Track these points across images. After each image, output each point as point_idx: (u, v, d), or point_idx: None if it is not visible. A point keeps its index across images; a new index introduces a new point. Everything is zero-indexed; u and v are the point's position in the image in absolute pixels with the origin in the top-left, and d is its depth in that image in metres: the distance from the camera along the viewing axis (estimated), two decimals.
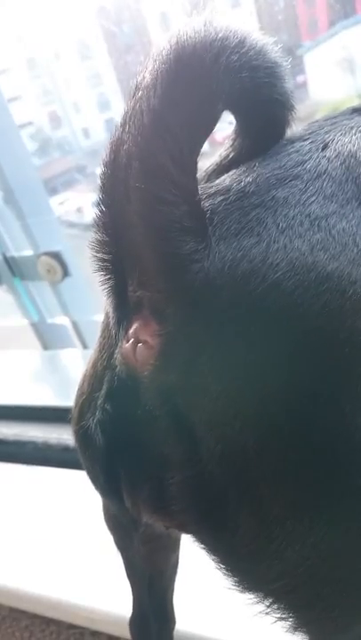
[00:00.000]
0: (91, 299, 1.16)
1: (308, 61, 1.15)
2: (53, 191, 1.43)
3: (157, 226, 0.28)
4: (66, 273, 1.11)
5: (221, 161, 0.38)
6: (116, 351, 0.32)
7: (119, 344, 0.32)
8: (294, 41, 1.14)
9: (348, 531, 0.29)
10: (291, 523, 0.28)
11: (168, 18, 1.13)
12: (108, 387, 0.34)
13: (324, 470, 0.28)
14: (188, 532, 0.35)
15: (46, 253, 1.11)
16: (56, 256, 1.10)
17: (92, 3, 1.14)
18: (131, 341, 0.31)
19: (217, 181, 0.34)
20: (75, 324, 1.19)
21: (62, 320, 1.22)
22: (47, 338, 1.27)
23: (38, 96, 1.47)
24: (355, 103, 0.39)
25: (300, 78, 1.16)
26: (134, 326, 0.31)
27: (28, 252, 1.15)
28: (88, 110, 1.44)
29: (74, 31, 1.24)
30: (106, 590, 0.77)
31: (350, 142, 0.33)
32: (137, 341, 0.30)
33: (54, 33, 1.19)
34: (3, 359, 1.38)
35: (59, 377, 1.23)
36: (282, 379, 0.27)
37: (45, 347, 1.29)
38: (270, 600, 0.31)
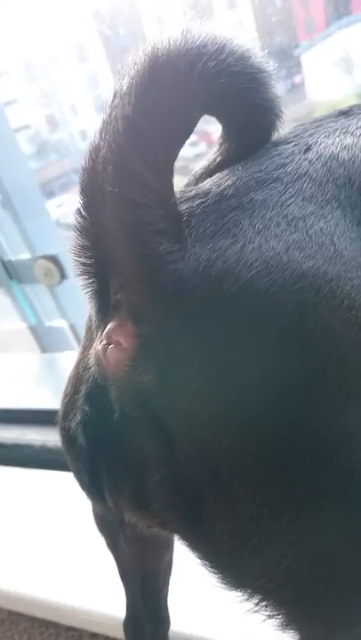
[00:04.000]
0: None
1: (305, 61, 1.15)
2: (51, 194, 1.43)
3: (132, 228, 0.28)
4: (63, 276, 1.11)
5: (209, 165, 0.39)
6: (91, 352, 0.33)
7: (94, 345, 0.32)
8: (291, 41, 1.14)
9: (326, 529, 0.29)
10: (267, 521, 0.29)
11: (164, 20, 1.13)
12: (86, 388, 0.34)
13: (300, 470, 0.28)
14: (169, 530, 0.36)
15: (43, 257, 1.11)
16: (53, 259, 1.10)
17: (90, 6, 1.15)
18: (102, 343, 0.31)
19: (198, 185, 0.34)
20: (72, 327, 1.19)
21: (60, 323, 1.22)
22: (45, 341, 1.27)
23: (36, 99, 1.47)
24: (353, 103, 0.39)
25: (297, 79, 1.16)
26: (108, 327, 0.31)
27: (25, 256, 1.16)
28: (85, 113, 1.44)
29: (71, 34, 1.25)
30: (104, 592, 0.77)
31: (333, 144, 0.33)
32: (109, 343, 0.31)
33: (51, 36, 1.20)
34: (1, 362, 1.38)
35: (57, 380, 1.23)
36: (256, 378, 0.27)
37: (43, 350, 1.29)
38: (258, 597, 0.32)
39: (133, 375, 0.30)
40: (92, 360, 0.32)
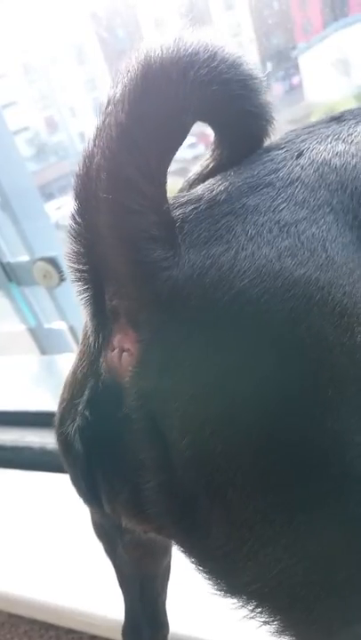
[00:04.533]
0: None
1: (302, 63, 1.15)
2: (50, 196, 1.43)
3: (125, 235, 0.29)
4: (62, 278, 1.11)
5: (202, 170, 0.39)
6: (101, 359, 0.33)
7: (103, 353, 0.33)
8: (289, 43, 1.14)
9: (320, 534, 0.29)
10: (261, 526, 0.29)
11: (162, 22, 1.13)
12: (90, 394, 0.34)
13: (294, 475, 0.28)
14: (165, 535, 0.36)
15: (42, 259, 1.11)
16: (52, 261, 1.10)
17: (88, 8, 1.15)
18: (116, 350, 0.32)
19: (191, 191, 0.34)
20: (72, 329, 1.19)
21: (59, 325, 1.22)
22: (45, 343, 1.27)
23: (35, 101, 1.47)
24: (350, 105, 0.40)
25: (295, 80, 1.16)
26: (118, 336, 0.31)
27: (24, 258, 1.16)
28: (84, 115, 1.45)
29: (69, 36, 1.25)
30: (104, 595, 0.77)
31: (325, 150, 0.34)
32: (122, 350, 0.31)
33: (50, 38, 1.20)
34: (0, 364, 1.38)
35: (56, 382, 1.23)
36: (250, 385, 0.28)
37: (43, 352, 1.29)
38: (253, 604, 0.32)
39: (136, 379, 0.30)
40: (103, 367, 0.33)
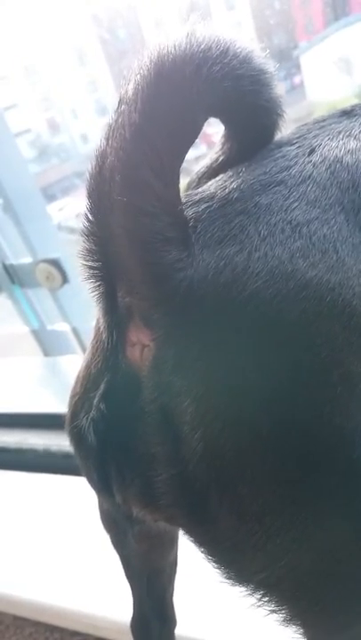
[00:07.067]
0: (90, 305, 1.15)
1: (304, 62, 1.15)
2: (52, 197, 1.43)
3: (140, 237, 0.28)
4: (65, 279, 1.11)
5: (212, 164, 0.39)
6: (119, 355, 0.33)
7: (121, 348, 0.33)
8: (290, 42, 1.14)
9: (327, 526, 0.29)
10: (269, 518, 0.29)
11: (163, 23, 1.13)
12: (107, 387, 0.34)
13: (303, 470, 0.28)
14: (175, 525, 0.37)
15: (45, 260, 1.11)
16: (55, 263, 1.10)
17: (89, 10, 1.15)
18: (137, 346, 0.32)
19: (202, 188, 0.34)
20: (75, 330, 1.19)
21: (62, 326, 1.22)
22: (48, 344, 1.27)
23: (36, 103, 1.47)
24: (354, 103, 0.39)
25: (296, 79, 1.16)
26: (134, 332, 0.32)
27: (27, 260, 1.16)
28: (86, 116, 1.45)
29: (70, 38, 1.25)
30: (109, 597, 0.77)
31: (337, 147, 0.34)
32: (143, 345, 0.32)
33: (51, 40, 1.20)
34: (3, 366, 1.38)
35: (60, 383, 1.23)
36: (260, 383, 0.28)
37: (46, 353, 1.29)
38: (261, 592, 0.33)
39: (152, 375, 0.31)
40: (124, 362, 0.33)
